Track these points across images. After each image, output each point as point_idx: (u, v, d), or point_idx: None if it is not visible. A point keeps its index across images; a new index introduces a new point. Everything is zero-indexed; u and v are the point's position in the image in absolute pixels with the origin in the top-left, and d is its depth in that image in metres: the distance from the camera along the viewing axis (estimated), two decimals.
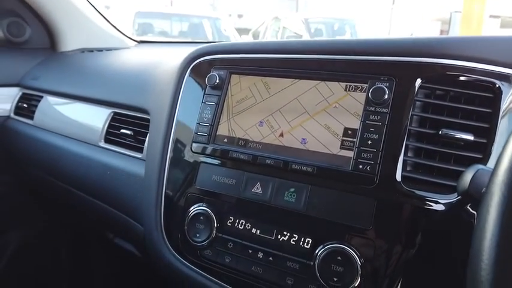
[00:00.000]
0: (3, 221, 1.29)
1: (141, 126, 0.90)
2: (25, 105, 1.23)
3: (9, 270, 1.30)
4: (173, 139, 0.74)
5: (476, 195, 0.37)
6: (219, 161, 0.67)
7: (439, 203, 0.52)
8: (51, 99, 1.17)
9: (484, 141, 0.53)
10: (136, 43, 1.54)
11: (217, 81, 0.70)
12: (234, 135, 0.68)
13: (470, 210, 0.51)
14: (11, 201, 1.28)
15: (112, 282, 1.49)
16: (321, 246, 0.56)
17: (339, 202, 0.56)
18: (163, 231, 0.70)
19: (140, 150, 0.87)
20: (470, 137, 0.53)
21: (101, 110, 1.00)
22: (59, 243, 1.40)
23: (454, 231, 0.52)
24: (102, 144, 0.95)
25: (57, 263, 1.42)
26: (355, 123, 0.58)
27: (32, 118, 1.18)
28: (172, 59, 0.86)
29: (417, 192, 0.53)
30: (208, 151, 0.69)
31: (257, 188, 0.63)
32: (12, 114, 1.26)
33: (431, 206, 0.52)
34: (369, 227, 0.54)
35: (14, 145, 1.21)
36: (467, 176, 0.39)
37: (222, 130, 0.69)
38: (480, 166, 0.40)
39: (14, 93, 1.29)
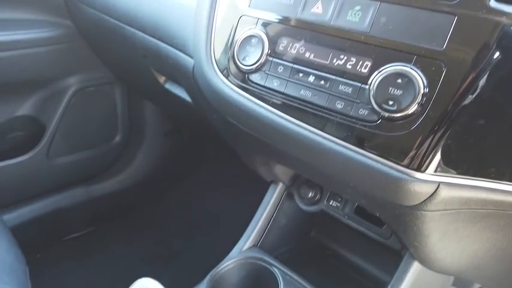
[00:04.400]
0: (63, 66, 1.33)
1: None
2: None
3: (67, 114, 1.38)
4: None
5: None
6: None
7: None
8: None
9: None
10: None
11: None
12: None
13: None
14: (70, 46, 1.31)
15: (163, 132, 1.58)
16: (381, 68, 0.50)
17: (410, 20, 0.49)
18: (213, 56, 0.68)
19: None
20: None
21: None
22: (114, 92, 1.46)
23: None
24: None
25: (112, 112, 1.50)
26: None
27: None
28: None
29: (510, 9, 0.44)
30: None
31: (317, 8, 0.57)
32: None
33: None
34: (440, 48, 0.47)
35: None
36: None
37: None
38: None
39: None
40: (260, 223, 0.87)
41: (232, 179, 1.60)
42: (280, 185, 0.88)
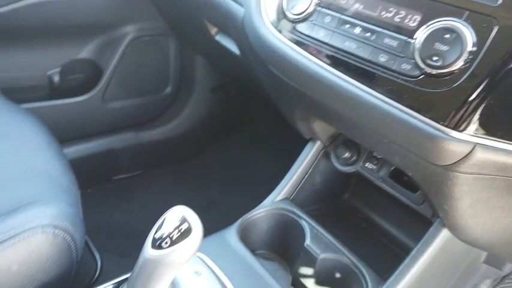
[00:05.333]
0: (122, 13, 1.39)
1: None
2: None
3: (123, 60, 1.45)
4: None
5: None
6: None
7: None
8: None
9: None
10: None
11: None
12: None
13: None
14: None
15: (211, 87, 1.62)
16: (430, 22, 0.49)
17: None
18: (262, 5, 0.69)
19: None
20: None
21: None
22: (168, 44, 1.51)
23: None
24: None
25: (165, 63, 1.55)
26: None
27: None
28: None
29: None
30: None
31: None
32: None
33: None
34: (494, 4, 0.45)
35: None
36: None
37: None
38: None
39: None
40: (294, 177, 0.89)
41: (273, 138, 1.63)
42: (318, 143, 0.89)
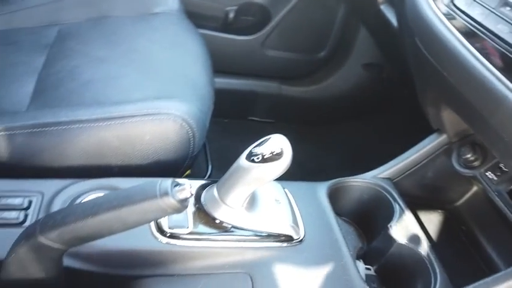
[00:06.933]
0: None
1: None
2: None
3: (291, 14, 1.53)
4: None
5: None
6: None
7: None
8: None
9: None
10: None
11: None
12: None
13: None
14: None
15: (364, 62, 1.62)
16: None
17: None
18: None
19: None
20: None
21: None
22: (337, 9, 1.54)
23: None
24: None
25: (328, 27, 1.59)
26: None
27: None
28: None
29: None
30: None
31: None
32: None
33: None
34: None
35: None
36: None
37: None
38: None
39: None
40: (406, 161, 0.86)
41: (402, 131, 1.55)
42: (443, 137, 0.84)
